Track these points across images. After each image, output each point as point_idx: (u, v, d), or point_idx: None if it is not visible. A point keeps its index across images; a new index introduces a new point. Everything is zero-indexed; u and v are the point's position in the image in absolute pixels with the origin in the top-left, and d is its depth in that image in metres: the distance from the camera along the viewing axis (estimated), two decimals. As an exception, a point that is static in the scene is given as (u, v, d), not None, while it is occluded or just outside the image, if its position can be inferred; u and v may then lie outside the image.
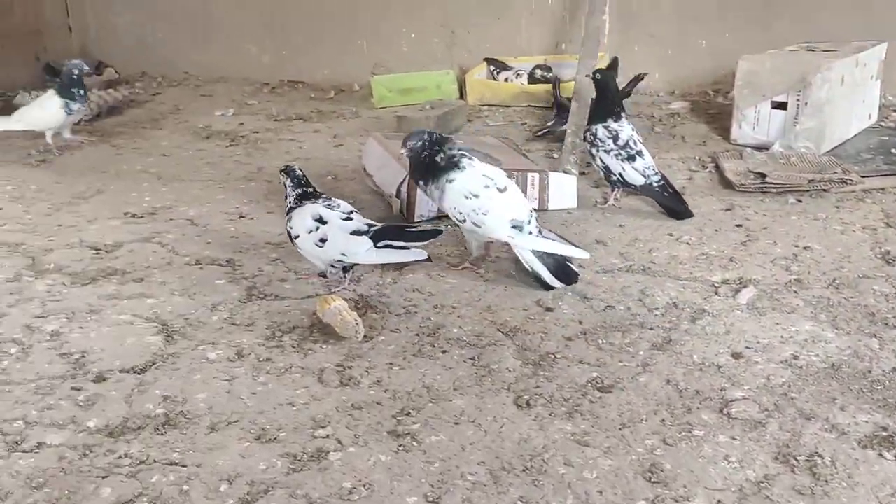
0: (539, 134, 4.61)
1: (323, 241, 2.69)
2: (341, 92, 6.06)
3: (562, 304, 2.70)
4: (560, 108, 4.71)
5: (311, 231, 2.70)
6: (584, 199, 3.61)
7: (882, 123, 4.58)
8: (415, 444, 1.99)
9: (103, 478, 1.87)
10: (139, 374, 2.31)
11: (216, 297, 2.76)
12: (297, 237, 2.74)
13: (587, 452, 1.95)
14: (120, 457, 1.94)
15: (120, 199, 3.76)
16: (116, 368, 2.33)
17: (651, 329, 2.53)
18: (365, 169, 3.81)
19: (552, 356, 2.39)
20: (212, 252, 3.15)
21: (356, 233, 2.69)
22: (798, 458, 1.90)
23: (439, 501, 1.79)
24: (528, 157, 3.86)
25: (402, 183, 3.35)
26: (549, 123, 4.65)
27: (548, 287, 2.77)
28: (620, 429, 2.04)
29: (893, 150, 4.06)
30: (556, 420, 2.08)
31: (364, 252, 2.68)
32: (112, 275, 2.95)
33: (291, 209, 2.78)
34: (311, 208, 2.73)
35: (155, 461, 1.93)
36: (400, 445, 1.98)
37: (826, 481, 1.82)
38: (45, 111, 4.33)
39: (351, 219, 2.73)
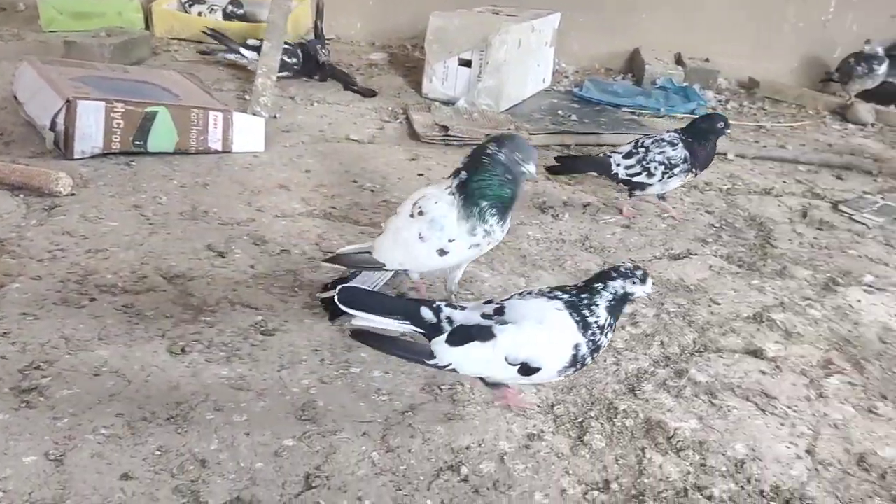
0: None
1: None
2: (2, 10, 5.23)
3: (235, 249, 2.59)
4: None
5: None
6: (273, 142, 3.51)
7: (554, 88, 5.05)
8: (42, 399, 1.77)
9: None
10: None
11: None
12: None
13: (240, 396, 1.88)
14: None
15: None
16: None
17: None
18: (16, 97, 3.31)
19: (217, 302, 2.28)
20: None
21: None
22: (442, 387, 2.01)
23: (63, 459, 1.61)
24: (214, 95, 3.63)
25: (57, 113, 2.96)
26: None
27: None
28: (279, 370, 2.00)
29: (560, 112, 4.50)
30: (212, 366, 1.99)
31: None
32: None
33: None
34: None
35: None
36: (23, 402, 1.76)
37: (463, 406, 1.95)
38: None
39: None
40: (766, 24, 5.45)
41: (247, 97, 4.07)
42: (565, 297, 1.79)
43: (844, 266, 2.98)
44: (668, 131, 3.19)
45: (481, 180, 2.10)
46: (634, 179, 3.14)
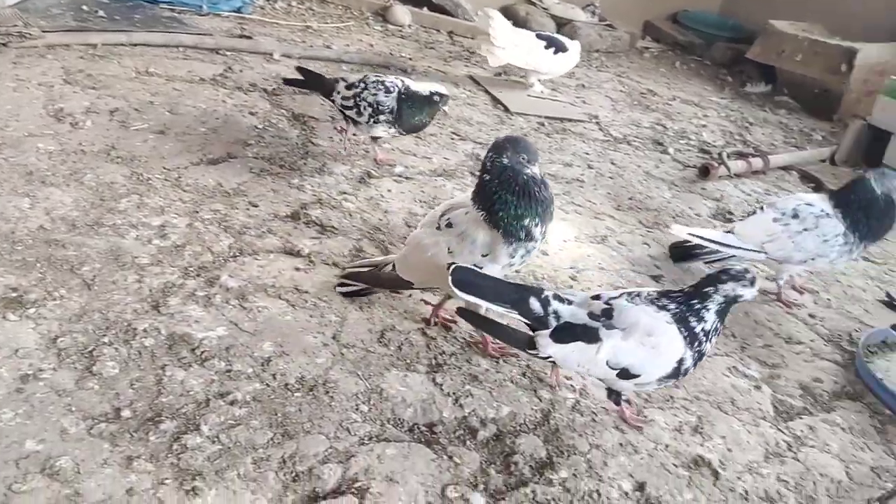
0: None
1: None
2: None
3: None
4: None
5: None
6: None
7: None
8: None
9: None
10: None
11: None
12: None
13: None
14: None
15: None
16: None
17: None
18: None
19: None
20: None
21: None
22: None
23: None
24: None
25: None
26: None
27: None
28: None
29: (85, 7, 3.94)
30: None
31: None
32: None
33: None
34: None
35: None
36: None
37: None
38: None
39: None
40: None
41: None
42: (673, 307, 1.79)
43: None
44: (397, 77, 3.00)
45: (503, 207, 1.95)
46: (346, 113, 2.99)
